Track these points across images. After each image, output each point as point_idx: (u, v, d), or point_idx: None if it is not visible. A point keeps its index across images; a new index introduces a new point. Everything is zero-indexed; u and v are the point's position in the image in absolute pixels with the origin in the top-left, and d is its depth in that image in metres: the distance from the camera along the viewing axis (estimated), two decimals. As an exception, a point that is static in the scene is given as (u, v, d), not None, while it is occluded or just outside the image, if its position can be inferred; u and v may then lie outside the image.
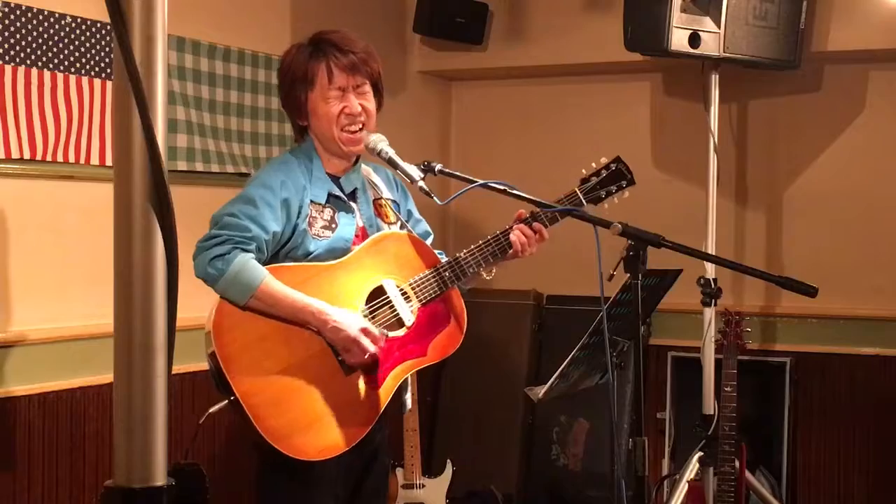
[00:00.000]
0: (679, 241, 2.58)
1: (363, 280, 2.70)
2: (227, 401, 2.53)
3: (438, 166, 2.82)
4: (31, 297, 3.36)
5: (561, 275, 5.06)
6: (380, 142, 2.88)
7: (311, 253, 2.66)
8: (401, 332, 2.72)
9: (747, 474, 4.07)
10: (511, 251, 2.82)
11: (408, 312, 2.73)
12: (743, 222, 4.89)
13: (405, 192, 3.00)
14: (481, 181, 2.78)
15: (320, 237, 2.68)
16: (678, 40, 4.11)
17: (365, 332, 2.60)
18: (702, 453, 4.09)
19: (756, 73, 4.56)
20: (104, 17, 2.81)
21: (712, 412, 4.14)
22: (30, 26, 3.30)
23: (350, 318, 2.61)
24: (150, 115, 1.05)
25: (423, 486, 4.41)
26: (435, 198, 2.77)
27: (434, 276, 2.77)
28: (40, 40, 3.33)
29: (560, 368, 3.03)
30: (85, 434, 3.51)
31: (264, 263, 2.60)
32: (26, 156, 3.28)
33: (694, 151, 4.55)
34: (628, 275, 2.56)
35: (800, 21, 4.28)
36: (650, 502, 4.33)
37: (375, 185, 2.90)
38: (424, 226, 3.00)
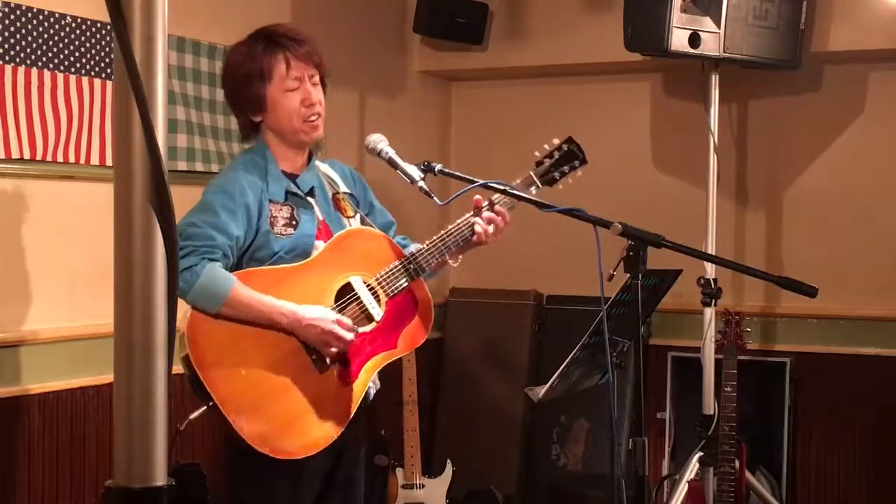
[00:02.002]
0: (679, 241, 2.58)
1: (331, 278, 2.73)
2: (206, 406, 2.56)
3: (438, 166, 2.83)
4: (30, 298, 3.36)
5: (561, 275, 5.06)
6: (380, 142, 2.89)
7: (275, 252, 2.69)
8: (370, 327, 2.76)
9: (747, 474, 4.07)
10: (474, 239, 2.85)
11: (376, 307, 2.76)
12: (743, 222, 4.89)
13: (364, 186, 3.02)
14: (481, 181, 2.78)
15: (283, 235, 2.70)
16: (678, 40, 4.11)
17: (338, 322, 2.65)
18: (702, 453, 4.09)
19: (756, 73, 4.56)
20: (104, 17, 2.81)
21: (712, 412, 4.14)
22: (30, 26, 3.30)
23: (321, 312, 2.65)
24: (150, 115, 1.05)
25: (423, 486, 4.41)
26: (435, 198, 2.77)
27: (400, 270, 2.79)
28: (40, 40, 3.33)
29: (560, 368, 3.02)
30: (85, 434, 3.51)
31: (232, 268, 2.62)
32: (26, 156, 3.28)
33: (694, 151, 4.55)
34: (628, 275, 2.56)
35: (800, 21, 4.28)
36: (650, 502, 4.33)
37: (333, 180, 2.92)
38: (387, 216, 3.03)
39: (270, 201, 2.71)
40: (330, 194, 2.87)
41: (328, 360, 2.69)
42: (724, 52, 4.18)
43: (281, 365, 2.63)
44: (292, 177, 2.80)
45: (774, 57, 4.28)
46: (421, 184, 2.79)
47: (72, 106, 3.41)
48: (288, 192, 2.76)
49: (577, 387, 3.21)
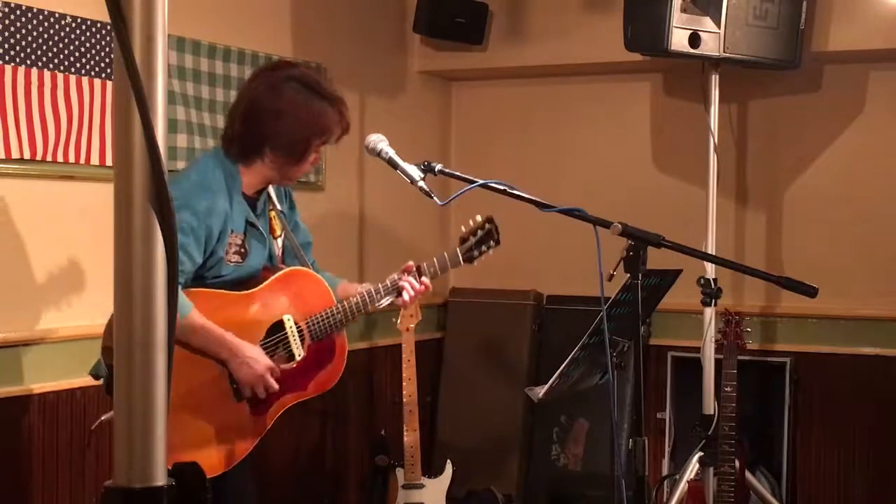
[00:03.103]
0: (679, 241, 2.58)
1: (267, 313, 2.87)
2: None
3: (438, 166, 2.83)
4: (31, 298, 3.36)
5: (561, 275, 5.06)
6: (380, 142, 2.89)
7: (222, 276, 2.79)
8: (289, 366, 2.90)
9: (747, 474, 4.07)
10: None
11: (299, 348, 2.90)
12: (743, 222, 4.88)
13: (292, 203, 3.13)
14: (481, 181, 2.78)
15: (231, 262, 2.81)
16: (678, 40, 4.10)
17: (270, 370, 2.80)
18: (702, 453, 4.09)
19: (756, 73, 4.56)
20: (104, 17, 2.81)
21: (712, 412, 4.14)
22: (30, 26, 3.30)
23: (258, 356, 2.79)
24: (150, 115, 1.05)
25: (423, 486, 4.40)
26: (435, 198, 2.77)
27: (328, 317, 2.94)
28: (40, 40, 3.33)
29: (560, 368, 3.02)
30: (85, 434, 3.51)
31: None
32: (26, 156, 3.28)
33: (694, 151, 4.55)
34: (628, 275, 2.56)
35: (800, 21, 4.28)
36: (650, 502, 4.33)
37: (270, 195, 3.01)
38: (308, 237, 3.16)
39: (232, 231, 2.79)
40: (268, 211, 2.99)
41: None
42: (724, 52, 4.18)
43: (203, 387, 2.75)
44: (250, 200, 2.89)
45: (774, 57, 4.27)
46: (421, 184, 2.79)
47: (72, 106, 3.41)
48: (247, 222, 2.85)
49: (577, 387, 3.21)
